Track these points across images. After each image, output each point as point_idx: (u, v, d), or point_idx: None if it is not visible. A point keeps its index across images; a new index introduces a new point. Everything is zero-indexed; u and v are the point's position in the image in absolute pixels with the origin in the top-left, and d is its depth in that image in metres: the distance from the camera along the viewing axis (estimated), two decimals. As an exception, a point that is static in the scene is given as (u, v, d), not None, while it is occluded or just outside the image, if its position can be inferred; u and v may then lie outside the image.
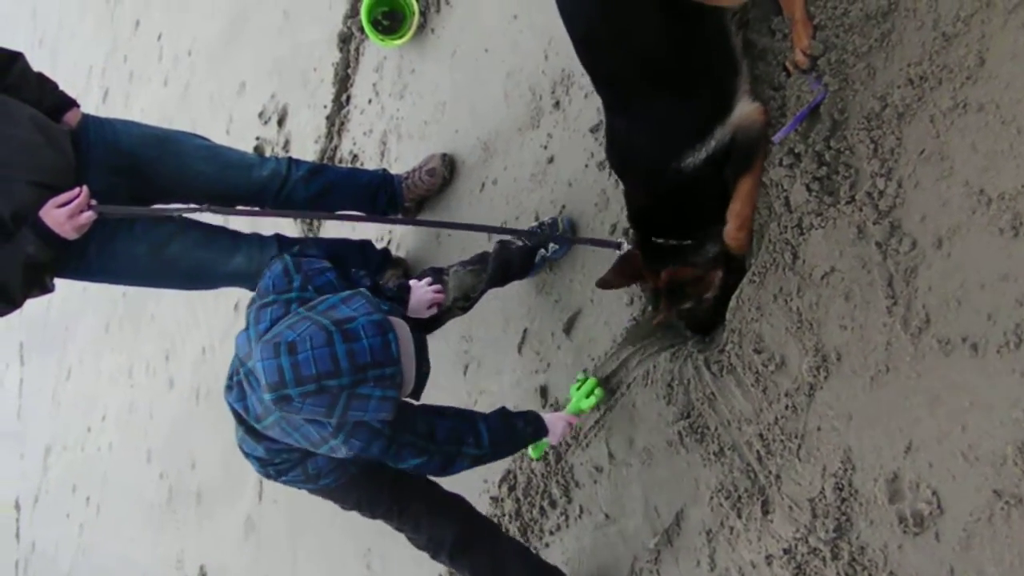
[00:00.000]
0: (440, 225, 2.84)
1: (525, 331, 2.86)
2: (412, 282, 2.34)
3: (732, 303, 2.17)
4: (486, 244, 2.87)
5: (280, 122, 4.11)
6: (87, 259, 2.40)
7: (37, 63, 2.46)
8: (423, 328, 2.33)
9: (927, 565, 1.78)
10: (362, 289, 1.84)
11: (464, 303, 2.46)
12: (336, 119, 3.73)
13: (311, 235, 3.74)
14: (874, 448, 1.87)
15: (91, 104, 6.00)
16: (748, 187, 2.05)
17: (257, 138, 4.22)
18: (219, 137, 3.12)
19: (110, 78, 6.15)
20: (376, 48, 3.48)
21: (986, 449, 1.68)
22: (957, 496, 1.73)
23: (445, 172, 3.11)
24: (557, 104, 2.76)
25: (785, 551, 2.04)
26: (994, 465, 1.67)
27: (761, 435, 2.10)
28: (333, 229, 3.65)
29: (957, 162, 1.73)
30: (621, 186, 2.37)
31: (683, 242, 2.14)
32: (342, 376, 1.66)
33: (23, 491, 7.55)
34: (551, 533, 2.74)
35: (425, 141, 3.27)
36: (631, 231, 2.39)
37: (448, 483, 2.30)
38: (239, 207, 2.63)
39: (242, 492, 4.37)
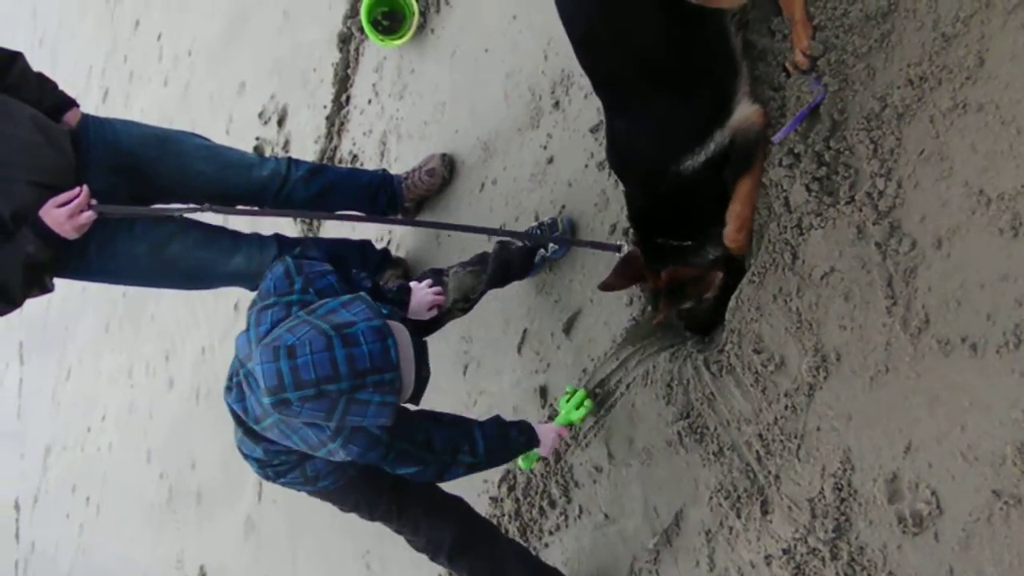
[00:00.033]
0: (439, 226, 2.84)
1: (525, 331, 2.86)
2: (412, 284, 2.34)
3: (732, 303, 2.17)
4: (486, 244, 2.87)
5: (280, 122, 4.11)
6: (87, 259, 2.40)
7: (37, 63, 2.46)
8: (423, 330, 2.33)
9: (926, 565, 1.78)
10: (362, 293, 1.84)
11: (464, 304, 2.46)
12: (336, 119, 3.73)
13: (311, 235, 3.74)
14: (873, 448, 1.88)
15: (91, 104, 6.00)
16: (748, 188, 2.06)
17: (257, 138, 4.22)
18: (219, 137, 3.12)
19: (110, 78, 6.15)
20: (376, 48, 3.48)
21: (985, 449, 1.68)
22: (956, 496, 1.73)
23: (445, 172, 3.11)
24: (557, 104, 2.76)
25: (784, 551, 2.04)
26: (993, 465, 1.67)
27: (760, 435, 2.11)
28: (333, 229, 3.66)
29: (957, 162, 1.73)
30: (621, 186, 2.37)
31: (683, 243, 2.14)
32: (341, 381, 1.66)
33: (23, 491, 7.55)
34: (550, 533, 2.74)
35: (425, 141, 3.27)
36: (631, 231, 2.39)
37: (448, 483, 2.30)
38: (239, 207, 2.64)
39: (242, 492, 4.37)
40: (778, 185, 2.01)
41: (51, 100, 2.39)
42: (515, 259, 2.60)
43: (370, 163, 3.52)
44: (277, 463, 2.10)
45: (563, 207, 2.73)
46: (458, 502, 2.42)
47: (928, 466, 1.78)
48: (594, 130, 2.61)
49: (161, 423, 5.25)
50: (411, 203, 3.12)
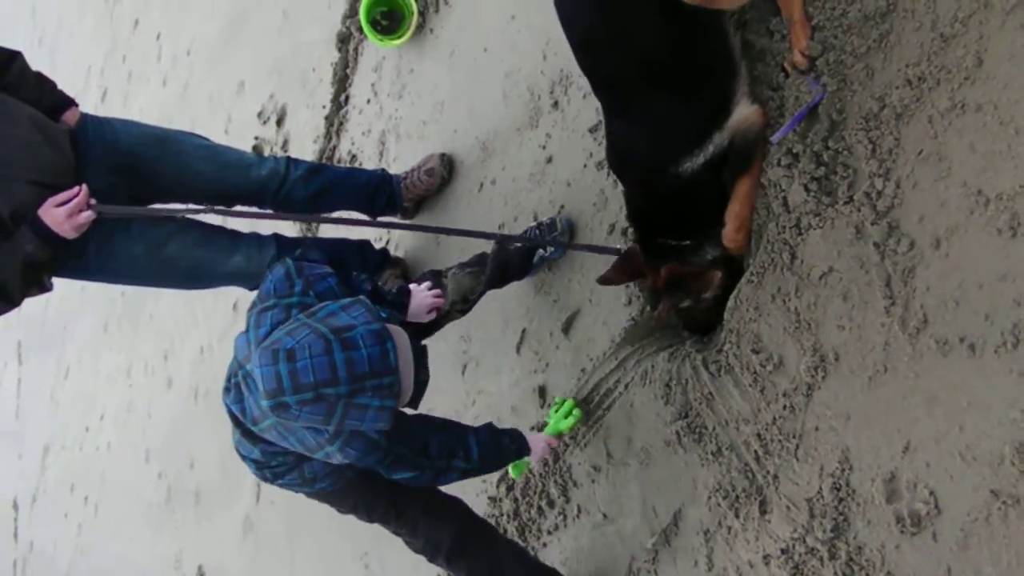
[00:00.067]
0: (437, 231, 2.83)
1: (524, 331, 2.86)
2: (412, 286, 2.34)
3: (730, 303, 2.17)
4: (484, 244, 2.86)
5: (279, 122, 4.11)
6: (86, 258, 2.40)
7: (36, 62, 2.46)
8: (421, 332, 2.33)
9: (924, 565, 1.78)
10: (362, 297, 1.84)
11: (462, 306, 2.46)
12: (335, 119, 3.73)
13: (309, 235, 3.74)
14: (872, 448, 1.88)
15: (90, 104, 6.00)
16: (746, 189, 2.06)
17: (256, 138, 4.22)
18: (218, 137, 3.12)
19: (109, 78, 6.15)
20: (375, 48, 3.48)
21: (984, 449, 1.68)
22: (955, 496, 1.73)
23: (444, 172, 3.11)
24: (556, 104, 2.76)
25: (783, 551, 2.04)
26: (992, 465, 1.67)
27: (759, 435, 2.11)
28: (331, 228, 3.65)
29: (955, 162, 1.73)
30: (620, 187, 2.37)
31: (682, 242, 2.14)
32: (340, 385, 1.66)
33: (21, 490, 7.54)
34: (549, 533, 2.74)
35: (424, 141, 3.27)
36: (631, 231, 2.39)
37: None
38: (239, 207, 2.64)
39: (240, 492, 4.37)
40: (777, 185, 2.01)
41: (50, 99, 2.39)
42: (514, 259, 2.60)
43: (369, 163, 3.52)
44: (275, 464, 2.10)
45: (562, 207, 2.73)
46: (456, 503, 2.43)
47: (926, 466, 1.78)
48: (593, 130, 2.61)
49: (160, 423, 5.24)
50: (410, 203, 3.12)
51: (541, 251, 2.68)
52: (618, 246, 2.39)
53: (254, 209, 2.73)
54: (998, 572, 1.67)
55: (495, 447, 2.23)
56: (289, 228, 3.80)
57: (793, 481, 2.03)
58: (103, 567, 5.95)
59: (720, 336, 2.22)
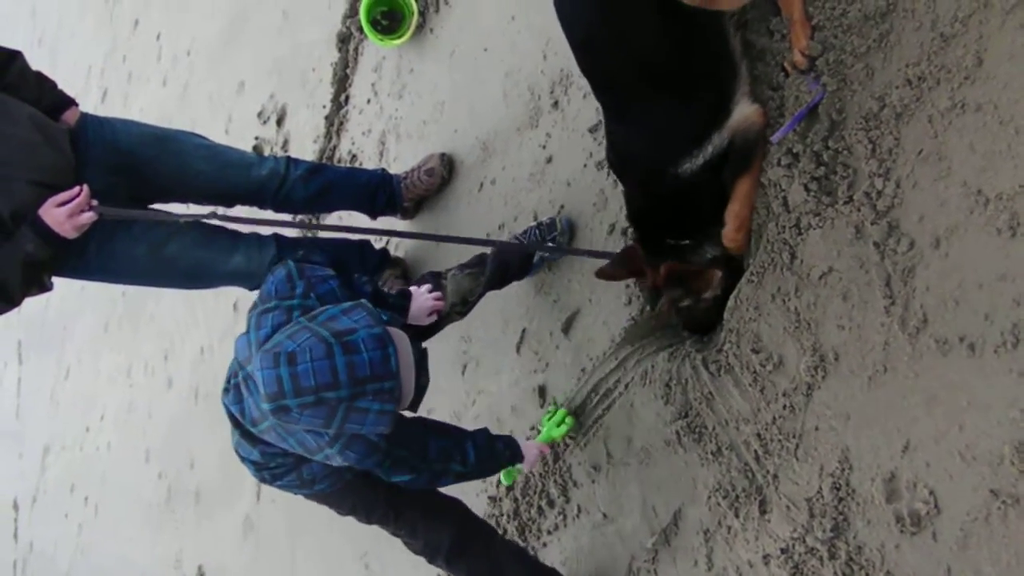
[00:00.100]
0: (436, 239, 2.82)
1: (524, 331, 2.86)
2: (412, 289, 2.34)
3: (730, 303, 2.17)
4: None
5: (279, 122, 4.11)
6: (86, 258, 2.40)
7: (36, 62, 2.46)
8: (421, 335, 2.34)
9: (924, 565, 1.78)
10: (363, 300, 1.85)
11: (462, 308, 2.46)
12: (335, 119, 3.74)
13: (309, 234, 3.74)
14: (872, 448, 1.88)
15: (90, 104, 6.00)
16: (746, 188, 2.06)
17: (256, 138, 4.22)
18: (218, 137, 3.12)
19: (109, 78, 6.15)
20: (375, 48, 3.48)
21: (983, 449, 1.68)
22: (954, 496, 1.73)
23: (444, 172, 3.11)
24: (556, 104, 2.76)
25: (782, 551, 2.04)
26: (991, 465, 1.67)
27: (759, 435, 2.11)
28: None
29: (955, 162, 1.73)
30: (620, 186, 2.37)
31: (682, 242, 2.14)
32: (341, 389, 1.66)
33: (21, 491, 7.54)
34: (549, 532, 2.74)
35: (424, 141, 3.27)
36: (631, 231, 2.39)
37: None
38: (239, 209, 2.64)
39: (240, 492, 4.37)
40: (777, 185, 2.01)
41: (50, 99, 2.39)
42: (513, 260, 2.60)
43: (369, 163, 3.52)
44: (274, 466, 2.10)
45: (562, 207, 2.73)
46: (455, 504, 2.43)
47: (926, 466, 1.78)
48: (593, 130, 2.61)
49: (160, 423, 5.24)
50: (410, 203, 3.12)
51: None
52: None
53: (254, 210, 2.73)
54: (998, 572, 1.67)
55: (490, 452, 2.25)
56: (289, 228, 3.80)
57: (793, 481, 2.03)
58: (103, 567, 5.95)
59: (720, 336, 2.22)
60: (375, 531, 2.42)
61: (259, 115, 4.25)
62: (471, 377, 3.07)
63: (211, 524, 4.69)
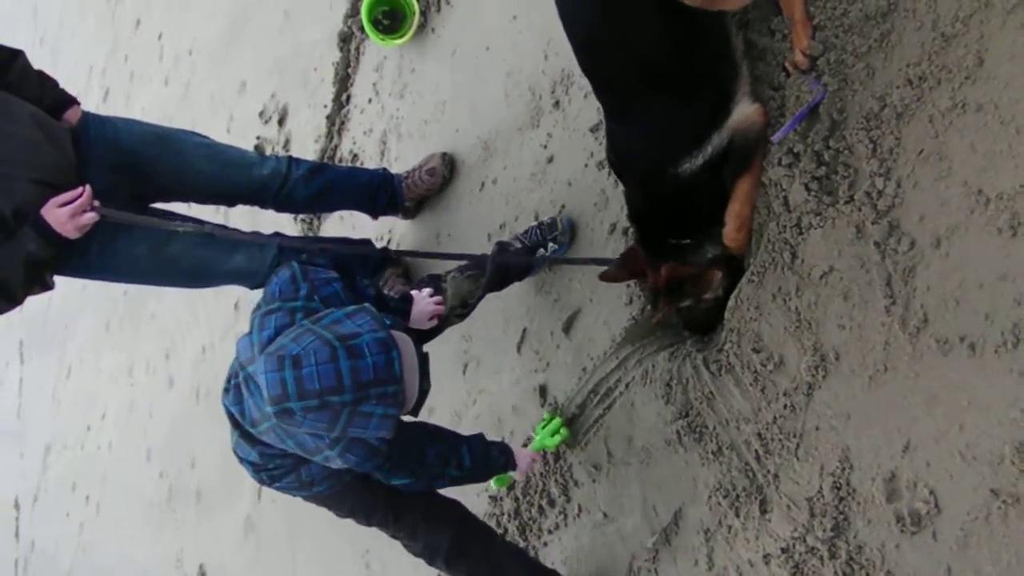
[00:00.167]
0: (435, 256, 2.81)
1: (524, 330, 2.87)
2: (413, 292, 2.34)
3: (731, 302, 2.17)
4: (485, 245, 2.87)
5: (280, 121, 4.11)
6: (88, 257, 2.40)
7: (38, 62, 2.45)
8: (421, 338, 2.34)
9: (924, 564, 1.78)
10: (367, 304, 1.85)
11: (461, 310, 2.46)
12: (336, 118, 3.74)
13: (311, 234, 3.74)
14: (872, 447, 1.88)
15: (92, 103, 6.00)
16: (747, 188, 2.06)
17: (257, 137, 4.22)
18: (220, 136, 3.12)
19: (111, 77, 6.15)
20: (376, 47, 3.49)
21: (984, 448, 1.68)
22: (955, 495, 1.73)
23: (445, 171, 3.11)
24: (557, 104, 2.76)
25: (783, 550, 2.05)
26: (991, 464, 1.67)
27: (759, 434, 2.11)
28: (332, 227, 3.66)
29: (956, 162, 1.73)
30: (621, 186, 2.37)
31: (682, 241, 2.14)
32: (345, 393, 1.66)
33: (23, 490, 7.55)
34: (549, 532, 2.74)
35: (425, 140, 3.27)
36: (632, 231, 2.39)
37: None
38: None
39: (241, 492, 4.37)
40: (777, 184, 2.01)
41: (51, 98, 2.39)
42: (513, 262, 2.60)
43: (370, 162, 3.52)
44: (272, 467, 2.09)
45: (563, 206, 2.73)
46: (455, 505, 2.43)
47: (926, 465, 1.78)
48: (594, 129, 2.61)
49: (161, 422, 5.25)
50: (411, 202, 3.12)
51: (542, 250, 2.68)
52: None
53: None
54: (998, 571, 1.67)
55: (485, 458, 2.27)
56: (291, 228, 3.81)
57: (793, 480, 2.03)
58: (104, 566, 5.96)
59: (721, 335, 2.22)
60: (375, 531, 2.42)
61: (260, 115, 4.25)
62: (472, 376, 3.07)
63: (212, 523, 4.69)
